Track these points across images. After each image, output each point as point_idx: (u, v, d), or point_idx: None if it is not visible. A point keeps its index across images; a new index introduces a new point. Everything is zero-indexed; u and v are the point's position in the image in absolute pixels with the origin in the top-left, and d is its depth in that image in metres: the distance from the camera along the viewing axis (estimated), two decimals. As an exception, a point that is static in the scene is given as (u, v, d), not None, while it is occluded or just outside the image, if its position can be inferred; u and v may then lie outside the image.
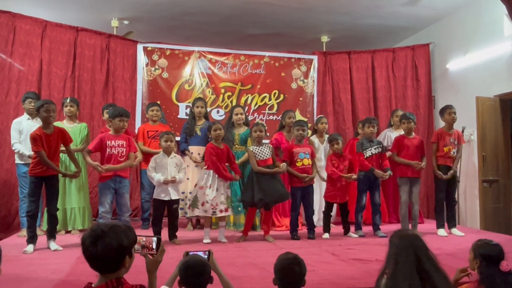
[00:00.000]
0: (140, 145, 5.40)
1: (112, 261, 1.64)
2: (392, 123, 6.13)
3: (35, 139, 4.01)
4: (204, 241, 4.61)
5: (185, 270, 2.06)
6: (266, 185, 4.65)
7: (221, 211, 4.63)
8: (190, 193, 5.21)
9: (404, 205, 5.12)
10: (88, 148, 4.43)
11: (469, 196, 6.31)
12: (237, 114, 5.46)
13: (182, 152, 5.46)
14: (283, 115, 5.79)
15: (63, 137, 4.22)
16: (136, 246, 1.97)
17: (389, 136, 5.96)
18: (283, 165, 4.81)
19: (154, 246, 2.07)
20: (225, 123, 5.60)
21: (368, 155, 5.12)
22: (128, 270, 1.73)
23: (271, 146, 4.92)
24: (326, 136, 5.76)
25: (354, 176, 5.02)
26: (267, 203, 4.70)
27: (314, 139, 5.82)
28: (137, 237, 1.91)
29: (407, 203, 5.13)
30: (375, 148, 5.14)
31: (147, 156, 5.31)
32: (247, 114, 6.64)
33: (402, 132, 5.56)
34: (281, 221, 5.58)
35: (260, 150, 4.78)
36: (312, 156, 5.05)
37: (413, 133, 5.27)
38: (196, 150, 5.38)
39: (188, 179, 5.29)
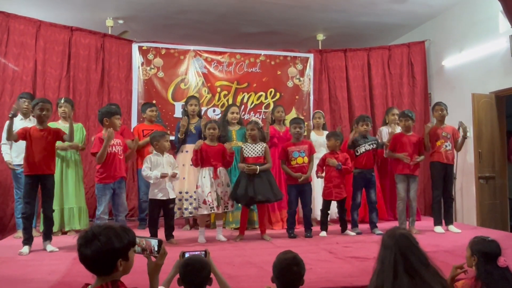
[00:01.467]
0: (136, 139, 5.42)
1: (103, 264, 1.63)
2: (387, 121, 6.13)
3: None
4: (199, 240, 4.61)
5: (185, 267, 2.05)
6: (248, 184, 4.65)
7: (217, 207, 4.64)
8: (186, 192, 5.24)
9: (402, 202, 5.12)
10: (93, 151, 4.34)
11: (465, 193, 6.32)
12: (233, 113, 5.48)
13: (179, 149, 5.45)
14: (272, 110, 5.99)
15: (57, 134, 4.18)
16: (137, 248, 1.96)
17: (386, 133, 5.95)
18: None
19: (156, 249, 2.06)
20: (219, 121, 5.61)
21: (361, 151, 5.15)
22: (127, 273, 1.72)
23: (265, 145, 4.91)
24: (325, 132, 5.78)
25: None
26: (245, 201, 4.71)
27: (311, 132, 5.84)
28: (138, 239, 1.90)
29: (405, 200, 5.13)
30: (369, 145, 5.17)
31: (142, 156, 5.33)
32: (243, 112, 6.69)
33: (397, 130, 5.58)
34: (277, 216, 5.55)
35: (252, 148, 4.80)
36: (311, 152, 5.03)
37: (411, 131, 5.27)
38: (192, 148, 5.36)
39: (184, 178, 5.29)
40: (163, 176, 4.44)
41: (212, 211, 4.66)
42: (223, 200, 4.72)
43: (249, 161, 4.78)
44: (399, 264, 1.89)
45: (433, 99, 7.08)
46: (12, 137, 4.06)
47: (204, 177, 4.69)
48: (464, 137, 5.24)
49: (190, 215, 5.26)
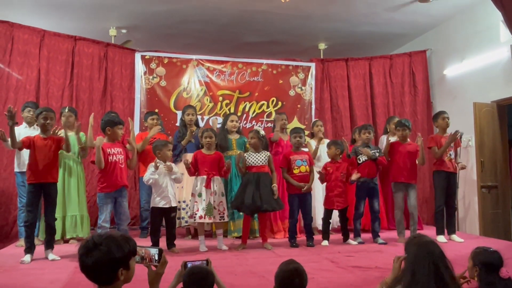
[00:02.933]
0: (138, 146, 5.46)
1: (104, 274, 1.63)
2: (388, 130, 6.14)
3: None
4: (200, 249, 4.60)
5: (189, 277, 2.06)
6: (255, 193, 4.64)
7: (200, 217, 4.61)
8: (183, 201, 5.26)
9: (399, 211, 5.13)
10: (93, 160, 4.38)
11: (468, 202, 6.31)
12: (232, 121, 5.50)
13: (177, 156, 5.46)
14: (275, 118, 5.96)
15: (59, 142, 4.21)
16: (137, 257, 1.96)
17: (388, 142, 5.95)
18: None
19: (156, 258, 2.06)
20: (219, 130, 5.63)
21: (363, 160, 5.14)
22: (129, 282, 1.72)
23: (269, 154, 4.92)
24: (326, 141, 5.80)
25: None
26: (251, 210, 4.71)
27: (311, 141, 5.85)
28: (138, 248, 1.90)
29: (402, 208, 5.13)
30: (371, 153, 5.15)
31: (144, 164, 5.38)
32: (245, 121, 6.71)
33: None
34: (279, 225, 5.55)
35: (255, 157, 4.81)
36: (311, 163, 5.05)
37: (409, 140, 5.28)
38: (190, 157, 5.39)
39: (182, 187, 5.30)
40: (156, 166, 4.42)
41: (195, 220, 4.65)
42: (217, 209, 4.69)
43: (252, 169, 4.79)
44: (431, 275, 1.84)
45: (435, 108, 7.09)
46: (17, 145, 4.08)
47: (196, 186, 4.71)
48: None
49: (187, 224, 5.28)
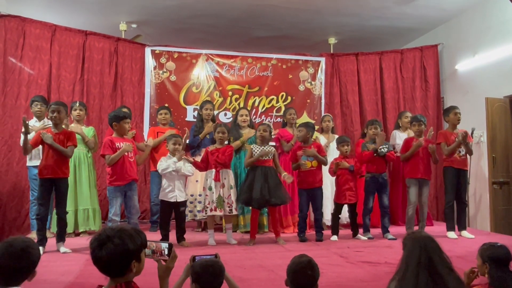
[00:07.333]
0: (150, 140, 5.51)
1: (117, 266, 1.65)
2: (400, 125, 6.10)
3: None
4: (209, 243, 4.63)
5: (202, 269, 2.05)
6: (263, 186, 4.65)
7: (211, 210, 4.64)
8: (199, 195, 5.28)
9: (412, 207, 5.09)
10: (104, 154, 4.41)
11: (479, 198, 6.25)
12: (242, 116, 5.52)
13: (196, 149, 5.49)
14: (284, 113, 6.00)
15: (68, 138, 4.25)
16: (147, 251, 1.98)
17: (399, 137, 5.91)
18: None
19: (166, 253, 2.08)
20: (231, 125, 5.64)
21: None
22: (139, 274, 1.74)
23: (274, 150, 4.92)
24: (334, 136, 5.77)
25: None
26: (259, 204, 4.71)
27: (320, 136, 5.84)
28: (148, 242, 1.91)
29: (415, 205, 5.10)
30: (380, 149, 5.13)
31: (154, 158, 5.41)
32: (254, 116, 6.71)
33: (409, 134, 5.55)
34: (289, 220, 5.56)
35: (261, 150, 4.80)
36: (319, 152, 5.00)
37: (423, 135, 5.24)
38: None
39: (197, 181, 5.32)
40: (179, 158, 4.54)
41: (206, 214, 4.70)
42: (226, 202, 4.70)
43: (257, 163, 4.78)
44: (424, 268, 1.86)
45: (446, 103, 7.03)
46: (27, 151, 4.21)
47: (206, 179, 4.75)
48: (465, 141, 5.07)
49: (203, 217, 5.30)
